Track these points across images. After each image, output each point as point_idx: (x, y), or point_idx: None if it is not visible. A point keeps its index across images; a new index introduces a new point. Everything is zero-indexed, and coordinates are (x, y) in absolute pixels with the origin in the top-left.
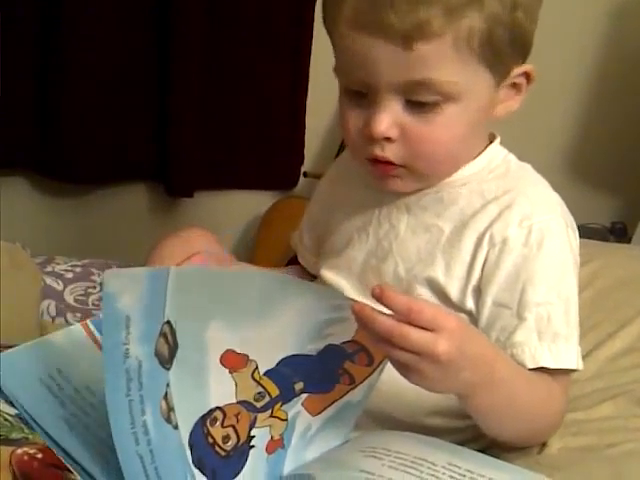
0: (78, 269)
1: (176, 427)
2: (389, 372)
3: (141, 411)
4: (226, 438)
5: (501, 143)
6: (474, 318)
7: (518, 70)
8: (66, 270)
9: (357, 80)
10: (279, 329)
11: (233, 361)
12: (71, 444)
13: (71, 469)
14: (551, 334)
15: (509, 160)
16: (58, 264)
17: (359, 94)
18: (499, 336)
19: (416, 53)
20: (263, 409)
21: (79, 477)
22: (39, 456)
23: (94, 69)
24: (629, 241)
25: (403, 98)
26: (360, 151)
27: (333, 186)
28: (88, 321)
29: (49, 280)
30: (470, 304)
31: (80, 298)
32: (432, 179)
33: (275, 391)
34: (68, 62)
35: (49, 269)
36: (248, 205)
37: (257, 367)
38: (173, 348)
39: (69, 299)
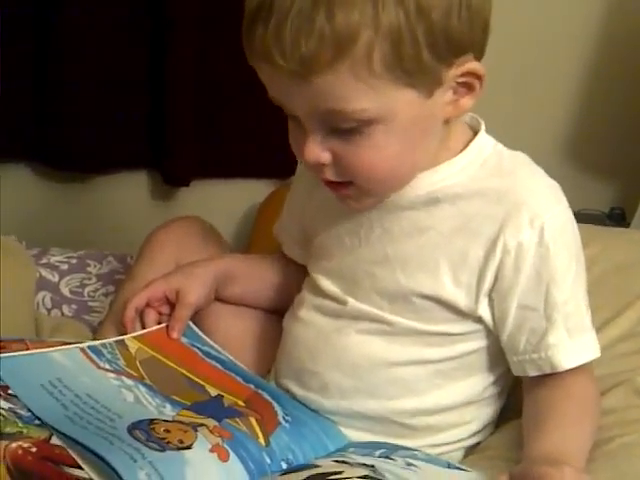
0: (73, 260)
1: None
2: (382, 379)
3: None
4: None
5: (498, 129)
6: (482, 322)
7: (457, 71)
8: (61, 262)
9: (281, 105)
10: None
11: None
12: (75, 432)
13: (75, 457)
14: (579, 329)
15: (500, 151)
16: (53, 255)
17: (296, 117)
18: (529, 338)
19: (314, 85)
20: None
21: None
22: (33, 450)
23: (92, 58)
24: (628, 227)
25: (326, 126)
26: (311, 172)
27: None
28: (85, 346)
29: (44, 272)
30: (482, 311)
31: (76, 290)
32: (385, 194)
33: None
34: (66, 52)
35: (44, 261)
36: (245, 193)
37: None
38: None
39: (64, 291)
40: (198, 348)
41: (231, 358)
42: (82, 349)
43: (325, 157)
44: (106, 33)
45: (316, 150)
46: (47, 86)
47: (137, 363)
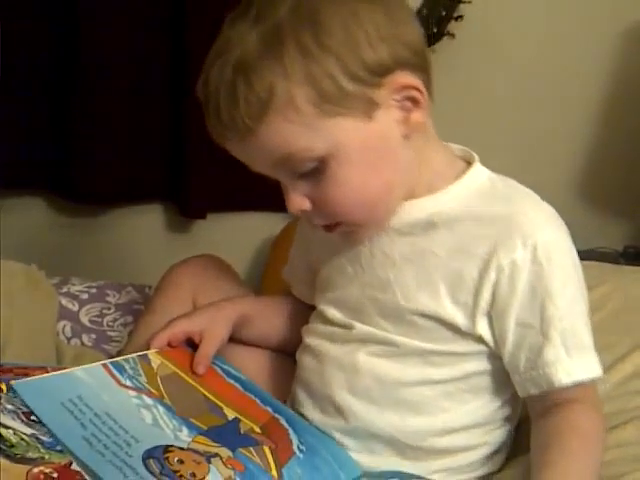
0: (93, 290)
1: None
2: (393, 401)
3: None
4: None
5: (513, 168)
6: (484, 342)
7: (389, 90)
8: (81, 291)
9: (259, 172)
10: None
11: None
12: (92, 459)
13: None
14: (578, 347)
15: (493, 178)
16: (73, 285)
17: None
18: (529, 355)
19: (259, 142)
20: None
21: None
22: (55, 475)
23: (110, 91)
24: None
25: (290, 173)
26: (305, 221)
27: None
28: (108, 363)
29: (65, 301)
30: (481, 330)
31: (95, 319)
32: (376, 221)
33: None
34: (85, 84)
35: (65, 290)
36: (261, 227)
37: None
38: None
39: (84, 320)
40: (219, 366)
41: (250, 379)
42: (105, 365)
43: (306, 204)
44: (125, 66)
45: (296, 199)
46: (66, 120)
47: (158, 380)
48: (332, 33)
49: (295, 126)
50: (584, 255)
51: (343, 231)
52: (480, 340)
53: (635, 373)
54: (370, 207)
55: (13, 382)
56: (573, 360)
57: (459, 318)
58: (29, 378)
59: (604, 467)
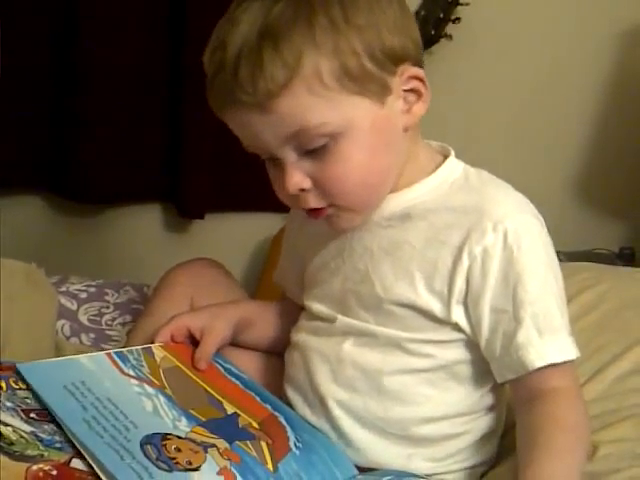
0: (92, 289)
1: None
2: (376, 390)
3: None
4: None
5: (510, 170)
6: (461, 330)
7: (402, 79)
8: (80, 290)
9: (256, 149)
10: None
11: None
12: (90, 440)
13: (91, 462)
14: (550, 330)
15: (467, 170)
16: (72, 284)
17: (271, 158)
18: (503, 340)
19: (277, 112)
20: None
21: (98, 470)
22: (54, 473)
23: (109, 92)
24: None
25: (297, 150)
26: (293, 206)
27: (304, 219)
28: (112, 352)
29: (63, 300)
30: (456, 317)
31: (94, 318)
32: (367, 209)
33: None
34: (84, 84)
35: (63, 289)
36: (259, 227)
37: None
38: None
39: (83, 319)
40: (220, 365)
41: (251, 378)
42: (108, 354)
43: (306, 182)
44: (124, 67)
45: (296, 177)
46: (65, 120)
47: (160, 371)
48: (359, 13)
49: (316, 98)
50: (581, 256)
51: (329, 215)
52: (457, 328)
53: (632, 370)
54: (368, 190)
55: (17, 364)
56: (546, 343)
57: (435, 306)
58: (33, 361)
59: (601, 463)
